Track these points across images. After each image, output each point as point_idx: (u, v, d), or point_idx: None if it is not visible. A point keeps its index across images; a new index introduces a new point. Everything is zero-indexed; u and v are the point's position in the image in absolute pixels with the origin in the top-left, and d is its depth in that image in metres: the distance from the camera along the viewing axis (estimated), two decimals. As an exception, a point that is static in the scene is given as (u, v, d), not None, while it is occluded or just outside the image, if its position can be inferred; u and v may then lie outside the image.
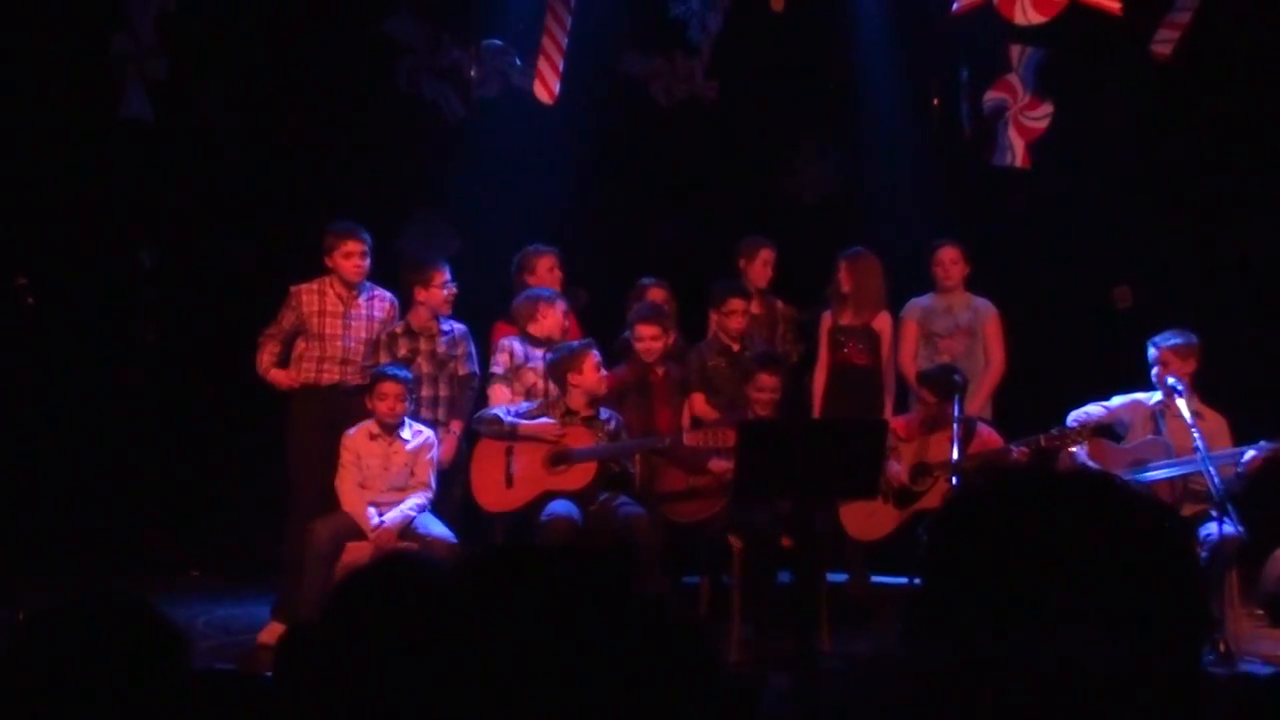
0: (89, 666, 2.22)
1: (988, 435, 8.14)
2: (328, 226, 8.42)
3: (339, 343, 8.33)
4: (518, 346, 8.41)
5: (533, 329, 8.42)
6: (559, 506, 7.73)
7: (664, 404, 8.51)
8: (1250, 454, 7.61)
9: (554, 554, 1.48)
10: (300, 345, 8.36)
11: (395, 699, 1.33)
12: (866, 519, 8.05)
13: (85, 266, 10.17)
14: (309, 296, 8.36)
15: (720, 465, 7.75)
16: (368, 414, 8.18)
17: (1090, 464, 7.85)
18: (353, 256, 8.32)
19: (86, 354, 10.11)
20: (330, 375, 8.31)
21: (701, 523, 7.81)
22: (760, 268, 9.11)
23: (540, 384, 8.34)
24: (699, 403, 8.58)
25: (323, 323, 8.32)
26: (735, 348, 8.55)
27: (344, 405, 8.26)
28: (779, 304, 9.20)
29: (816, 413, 8.82)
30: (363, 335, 8.40)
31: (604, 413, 8.04)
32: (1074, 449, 7.82)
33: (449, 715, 1.33)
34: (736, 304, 8.55)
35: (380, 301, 8.51)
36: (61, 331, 9.91)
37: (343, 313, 8.37)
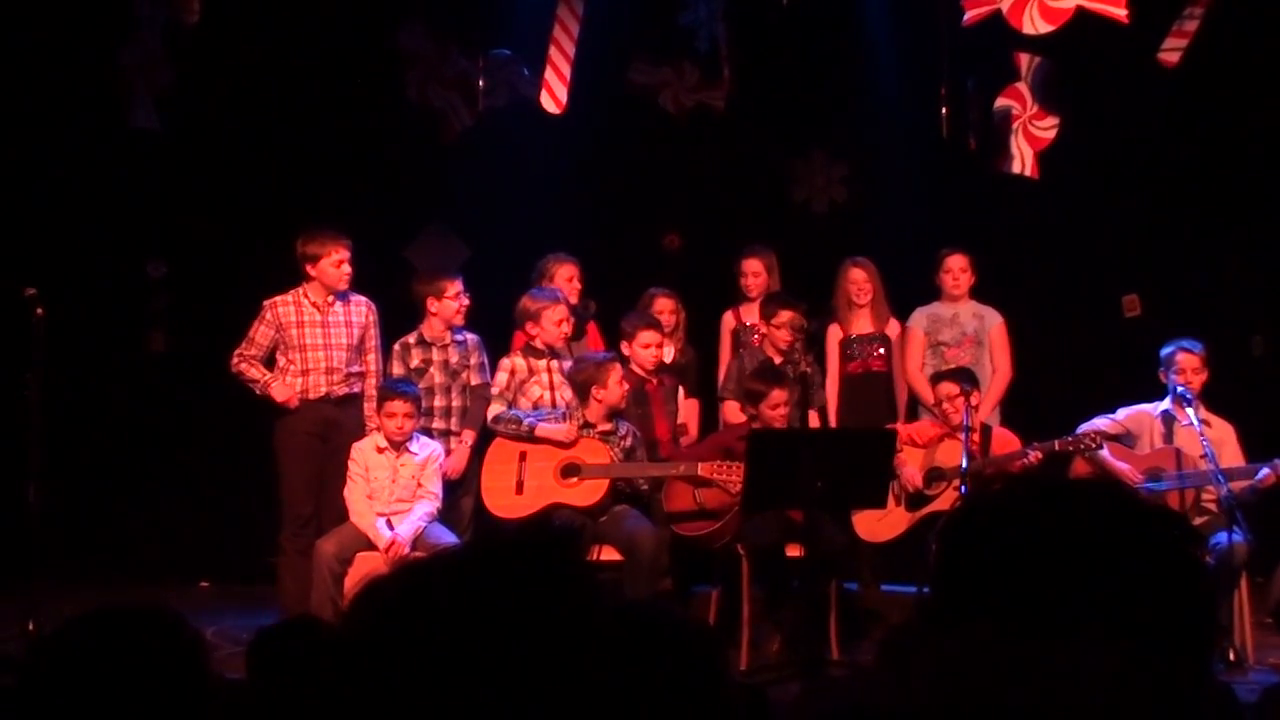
0: (116, 675, 2.23)
1: (1006, 437, 8.15)
2: (305, 235, 8.29)
3: (320, 352, 8.22)
4: (519, 363, 8.37)
5: (535, 333, 8.37)
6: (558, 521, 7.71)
7: (661, 414, 8.50)
8: (1265, 472, 7.62)
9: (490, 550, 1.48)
10: (279, 360, 8.26)
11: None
12: (877, 521, 8.05)
13: (94, 277, 10.18)
14: (285, 309, 8.24)
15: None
16: (356, 423, 8.20)
17: (1115, 461, 7.86)
18: (343, 264, 8.24)
19: (95, 364, 10.12)
20: (318, 388, 8.22)
21: (709, 537, 7.80)
22: (738, 278, 9.17)
23: (548, 396, 8.30)
24: (732, 411, 8.58)
25: (302, 334, 8.21)
26: (778, 360, 8.52)
27: (333, 416, 8.26)
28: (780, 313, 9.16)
29: (834, 423, 8.83)
30: (344, 342, 8.28)
31: (621, 427, 8.04)
32: (1099, 449, 7.82)
33: None
34: (787, 315, 8.55)
35: (358, 306, 8.39)
36: (70, 342, 9.91)
37: (320, 321, 8.26)
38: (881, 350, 9.07)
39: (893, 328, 9.10)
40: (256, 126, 10.27)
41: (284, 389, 8.17)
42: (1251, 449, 7.99)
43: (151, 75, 9.50)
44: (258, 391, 8.23)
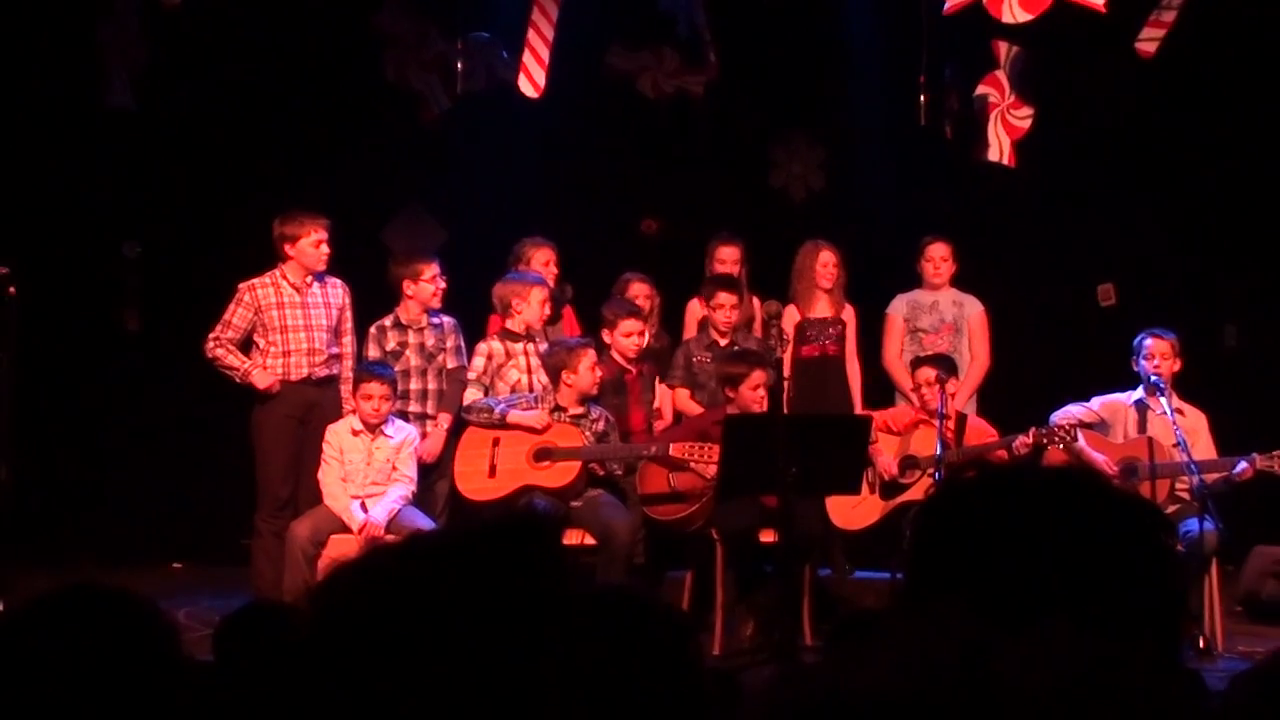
0: (80, 658, 2.21)
1: (981, 427, 8.17)
2: (283, 215, 8.26)
3: (301, 334, 8.20)
4: (496, 347, 8.35)
5: (510, 323, 8.34)
6: (537, 503, 7.68)
7: (638, 403, 8.49)
8: (1242, 465, 7.64)
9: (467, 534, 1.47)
10: (258, 343, 8.22)
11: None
12: (852, 509, 8.07)
13: (68, 256, 10.14)
14: (263, 290, 8.20)
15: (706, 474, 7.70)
16: (334, 405, 8.19)
17: (1090, 451, 7.87)
18: (322, 244, 8.22)
19: (69, 344, 10.08)
20: (299, 370, 8.21)
21: (684, 521, 7.81)
22: (716, 266, 9.12)
23: (525, 379, 8.29)
24: (683, 399, 8.58)
25: (282, 315, 8.18)
26: (723, 343, 8.53)
27: (312, 398, 8.24)
28: (755, 300, 9.13)
29: (787, 406, 8.82)
30: (324, 323, 8.27)
31: (594, 410, 8.03)
32: (1075, 440, 7.83)
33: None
34: (726, 298, 8.53)
35: (334, 287, 8.39)
36: (44, 321, 9.87)
37: (300, 303, 8.23)
38: (833, 333, 9.03)
39: (848, 312, 9.08)
40: (232, 107, 10.23)
41: (265, 375, 8.14)
42: (1225, 439, 8.02)
43: (127, 54, 9.45)
44: (236, 379, 8.19)
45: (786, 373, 8.67)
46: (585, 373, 7.91)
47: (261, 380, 8.13)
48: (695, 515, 7.73)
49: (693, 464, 7.64)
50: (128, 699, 2.19)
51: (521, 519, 1.50)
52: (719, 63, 10.22)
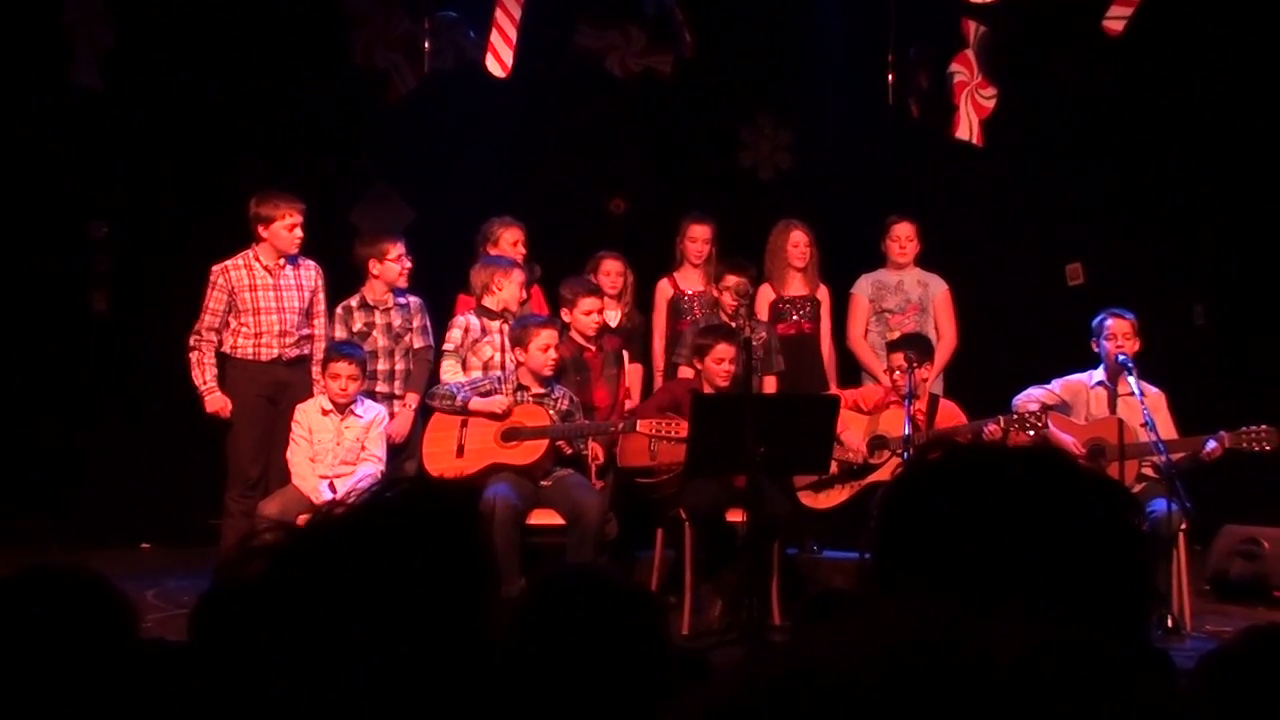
0: (37, 638, 2.20)
1: (950, 410, 8.18)
2: (259, 196, 8.23)
3: (273, 316, 8.19)
4: (474, 321, 8.35)
5: (488, 301, 8.36)
6: (502, 490, 7.62)
7: (600, 380, 8.48)
8: (1211, 445, 7.65)
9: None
10: (231, 323, 8.21)
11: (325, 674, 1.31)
12: (820, 488, 8.09)
13: (35, 236, 10.08)
14: (236, 273, 8.19)
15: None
16: (305, 386, 8.17)
17: (1058, 433, 7.88)
18: (296, 227, 8.20)
19: (36, 324, 10.02)
20: (269, 351, 8.20)
21: (662, 486, 7.81)
22: (687, 244, 9.10)
23: (498, 357, 8.28)
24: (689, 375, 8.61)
25: (255, 297, 8.17)
26: (733, 324, 8.52)
27: (283, 378, 8.23)
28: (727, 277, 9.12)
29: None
30: (296, 305, 8.26)
31: (556, 390, 8.02)
32: (1045, 427, 7.83)
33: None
34: (731, 280, 8.53)
35: (307, 269, 8.37)
36: (10, 302, 9.83)
37: (272, 284, 8.22)
38: (808, 311, 9.05)
39: (822, 291, 9.10)
40: (199, 86, 10.17)
41: (216, 401, 8.14)
42: (1195, 418, 8.04)
43: (94, 32, 9.40)
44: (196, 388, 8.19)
45: (758, 353, 8.72)
46: (535, 352, 7.87)
47: (211, 405, 8.15)
48: (675, 480, 7.73)
49: (663, 436, 7.63)
50: (85, 677, 2.18)
51: (439, 491, 1.50)
52: (694, 42, 10.19)
